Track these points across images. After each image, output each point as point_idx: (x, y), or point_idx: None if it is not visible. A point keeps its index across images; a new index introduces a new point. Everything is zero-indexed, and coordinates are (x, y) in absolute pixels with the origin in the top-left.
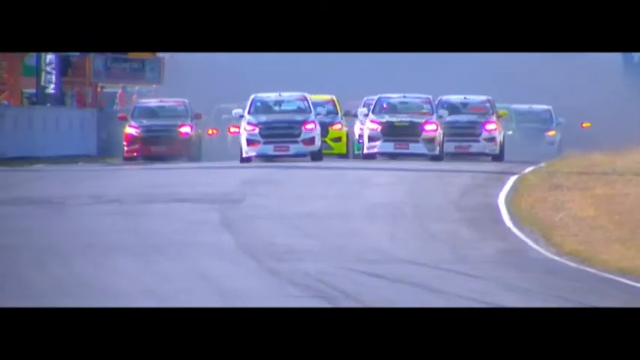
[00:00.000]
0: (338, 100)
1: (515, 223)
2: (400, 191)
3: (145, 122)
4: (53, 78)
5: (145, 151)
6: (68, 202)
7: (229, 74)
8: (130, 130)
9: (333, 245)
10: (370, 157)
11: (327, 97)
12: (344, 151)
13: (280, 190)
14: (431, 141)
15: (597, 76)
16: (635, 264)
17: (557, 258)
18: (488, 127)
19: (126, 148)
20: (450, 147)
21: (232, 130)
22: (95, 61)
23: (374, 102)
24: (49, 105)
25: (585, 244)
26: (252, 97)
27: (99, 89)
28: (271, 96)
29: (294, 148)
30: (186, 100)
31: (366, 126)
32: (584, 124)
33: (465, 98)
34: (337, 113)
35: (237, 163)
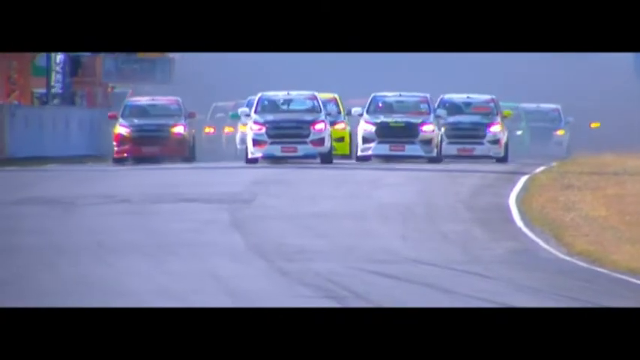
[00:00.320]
0: (341, 99)
1: (526, 223)
2: (411, 191)
3: (136, 121)
4: (60, 77)
5: (135, 151)
6: (78, 202)
7: (231, 73)
8: (120, 129)
9: (344, 245)
10: (364, 159)
11: (329, 95)
12: (347, 151)
13: (290, 190)
14: (428, 142)
15: (607, 77)
16: None
17: (568, 258)
18: (493, 128)
19: (115, 149)
20: (452, 149)
21: (227, 129)
22: (105, 61)
23: (368, 101)
24: (55, 101)
25: (596, 245)
26: (259, 95)
27: (109, 89)
28: (279, 94)
29: (302, 149)
30: (179, 99)
31: (360, 126)
32: (593, 125)
33: (468, 97)
34: (340, 112)
35: (235, 163)
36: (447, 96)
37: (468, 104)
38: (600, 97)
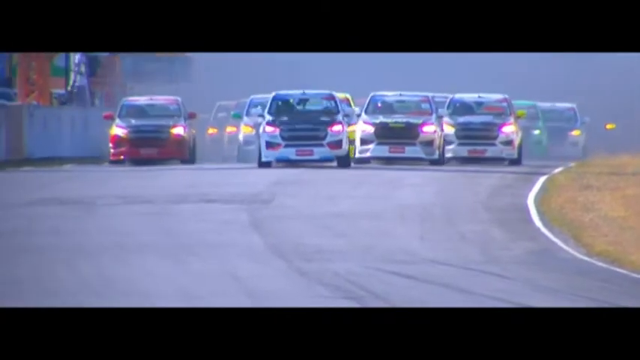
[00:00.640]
0: (353, 99)
1: (544, 224)
2: (429, 192)
3: (134, 122)
4: (78, 77)
5: (132, 153)
6: (98, 203)
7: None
8: (117, 130)
9: (362, 245)
10: (363, 161)
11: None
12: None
13: (309, 190)
14: (429, 144)
15: (622, 77)
16: None
17: (586, 258)
18: (506, 129)
19: (112, 151)
20: (462, 151)
21: (229, 129)
22: (124, 61)
23: (367, 101)
24: (72, 93)
25: (615, 245)
26: (272, 94)
27: (128, 89)
28: (294, 93)
29: (318, 152)
30: (178, 98)
31: (357, 127)
32: (609, 126)
33: (479, 97)
34: (353, 113)
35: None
36: (458, 95)
37: (479, 104)
38: (614, 98)
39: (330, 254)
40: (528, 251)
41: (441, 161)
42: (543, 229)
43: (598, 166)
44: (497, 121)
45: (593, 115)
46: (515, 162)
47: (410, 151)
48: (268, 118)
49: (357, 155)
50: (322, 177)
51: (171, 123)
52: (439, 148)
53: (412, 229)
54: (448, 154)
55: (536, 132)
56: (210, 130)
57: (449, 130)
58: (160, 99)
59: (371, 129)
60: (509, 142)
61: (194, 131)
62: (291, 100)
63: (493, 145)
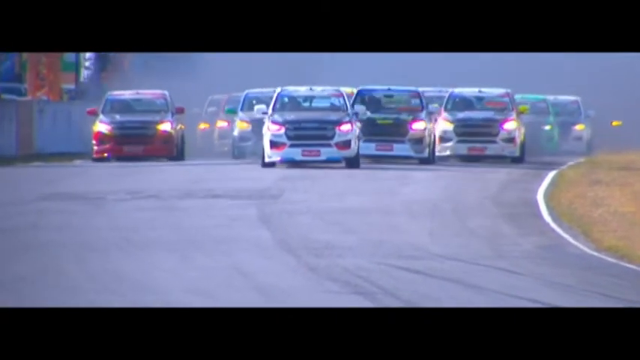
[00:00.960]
0: None
1: (554, 219)
2: (438, 187)
3: (118, 118)
4: (88, 73)
5: (116, 151)
6: (107, 198)
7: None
8: (100, 126)
9: (372, 241)
10: None
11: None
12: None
13: (318, 185)
14: (419, 141)
15: (629, 75)
16: None
17: (596, 254)
18: (507, 125)
19: (95, 148)
20: (462, 148)
21: (219, 123)
22: (133, 57)
23: (354, 95)
24: (81, 88)
25: (625, 240)
26: (277, 90)
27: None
28: (300, 90)
29: (326, 153)
30: (166, 92)
31: None
32: (615, 123)
33: (479, 92)
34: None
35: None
36: (457, 90)
37: (479, 99)
38: (621, 95)
39: (340, 249)
40: (538, 246)
41: (431, 160)
42: (553, 225)
43: (607, 161)
44: (499, 117)
45: (599, 112)
46: (517, 160)
47: (398, 149)
48: (273, 115)
49: None
50: (331, 173)
51: (157, 119)
52: (429, 146)
53: (421, 224)
54: (446, 152)
55: (547, 127)
56: (202, 125)
57: (447, 126)
58: (146, 93)
59: (357, 125)
60: (510, 140)
61: (182, 127)
62: (298, 97)
63: (494, 142)
